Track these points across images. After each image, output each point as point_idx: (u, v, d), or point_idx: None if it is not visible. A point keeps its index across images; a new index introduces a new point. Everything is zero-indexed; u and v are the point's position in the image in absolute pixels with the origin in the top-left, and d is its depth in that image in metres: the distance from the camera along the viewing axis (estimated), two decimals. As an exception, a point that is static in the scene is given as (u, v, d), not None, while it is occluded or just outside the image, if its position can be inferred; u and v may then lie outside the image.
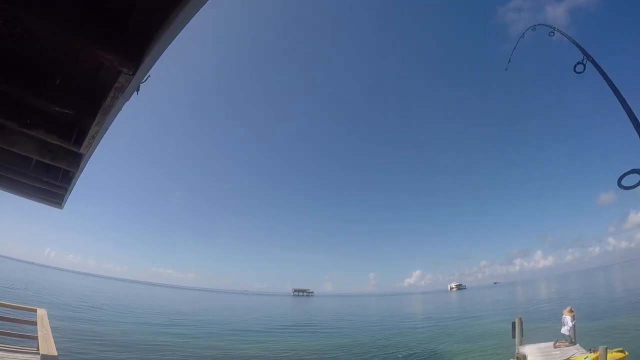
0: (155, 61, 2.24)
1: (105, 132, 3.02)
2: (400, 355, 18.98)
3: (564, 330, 14.21)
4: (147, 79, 2.45)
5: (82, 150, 3.35)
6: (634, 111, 2.75)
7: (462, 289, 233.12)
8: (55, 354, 5.73)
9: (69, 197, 6.56)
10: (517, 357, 14.58)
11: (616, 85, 3.03)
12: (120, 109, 2.72)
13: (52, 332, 7.12)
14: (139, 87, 2.51)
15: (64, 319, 22.45)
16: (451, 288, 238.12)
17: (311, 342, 23.52)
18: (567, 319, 14.06)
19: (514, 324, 16.37)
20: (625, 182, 2.48)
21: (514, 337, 16.11)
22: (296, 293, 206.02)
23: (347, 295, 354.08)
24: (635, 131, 2.75)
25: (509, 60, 5.41)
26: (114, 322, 26.26)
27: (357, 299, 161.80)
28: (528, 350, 14.35)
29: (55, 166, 4.52)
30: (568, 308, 14.60)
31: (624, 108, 2.94)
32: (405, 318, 44.68)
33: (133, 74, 2.17)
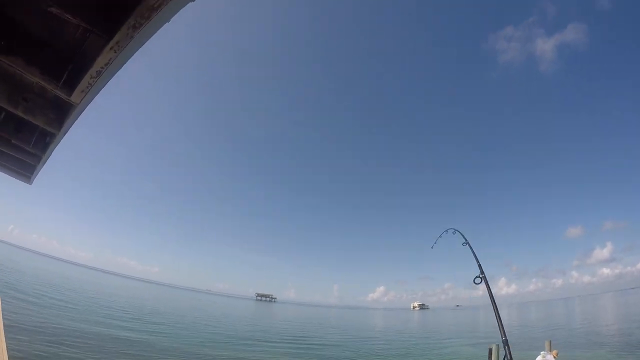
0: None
1: (117, 71, 2.04)
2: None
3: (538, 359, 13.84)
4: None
5: (73, 99, 2.31)
6: None
7: (424, 308, 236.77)
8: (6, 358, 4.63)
9: (42, 169, 5.35)
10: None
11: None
12: (167, 22, 1.74)
13: (5, 328, 5.90)
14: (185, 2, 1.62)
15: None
16: (414, 307, 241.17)
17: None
18: (550, 359, 13.65)
19: (490, 349, 15.94)
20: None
21: (490, 363, 15.67)
22: (259, 297, 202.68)
23: (310, 305, 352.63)
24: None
25: (435, 243, 6.31)
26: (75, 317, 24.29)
27: (321, 310, 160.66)
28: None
29: (29, 123, 3.38)
30: (555, 351, 14.23)
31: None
32: (372, 335, 44.16)
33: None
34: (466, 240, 5.12)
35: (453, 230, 5.63)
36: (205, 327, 32.34)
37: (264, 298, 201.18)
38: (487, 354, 15.96)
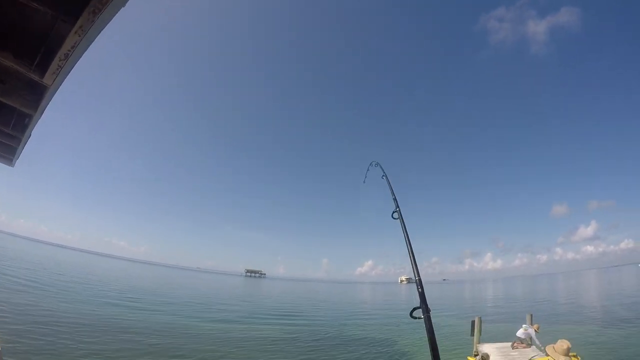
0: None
1: (84, 52, 2.26)
2: (352, 348, 18.98)
3: (520, 333, 14.58)
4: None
5: (45, 80, 2.53)
6: None
7: (412, 282, 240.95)
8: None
9: (23, 151, 5.49)
10: (476, 354, 14.81)
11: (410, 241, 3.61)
12: (122, 6, 1.98)
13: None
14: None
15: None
16: (401, 281, 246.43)
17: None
18: (532, 332, 14.33)
19: (473, 322, 16.67)
20: (415, 313, 3.02)
21: (472, 335, 16.40)
22: (248, 274, 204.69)
23: (299, 280, 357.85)
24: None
25: (365, 178, 6.33)
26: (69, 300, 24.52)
27: (309, 285, 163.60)
28: (487, 349, 14.63)
29: (6, 105, 3.42)
30: (536, 325, 14.89)
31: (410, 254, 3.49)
32: (359, 308, 45.44)
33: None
34: (385, 173, 5.16)
35: (375, 163, 5.70)
36: (196, 305, 33.08)
37: (253, 274, 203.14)
38: (470, 326, 16.85)
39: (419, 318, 2.95)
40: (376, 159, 5.63)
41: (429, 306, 2.98)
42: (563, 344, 6.37)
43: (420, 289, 3.10)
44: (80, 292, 30.83)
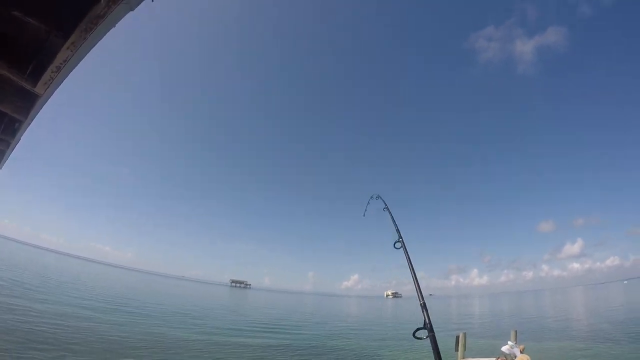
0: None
1: (77, 64, 2.37)
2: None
3: (505, 349, 14.66)
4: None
5: (37, 90, 2.63)
6: None
7: (397, 297, 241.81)
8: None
9: (11, 155, 5.52)
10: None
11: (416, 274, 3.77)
12: (112, 27, 2.10)
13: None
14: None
15: None
16: (387, 295, 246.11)
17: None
18: (517, 351, 14.36)
19: (457, 337, 16.76)
20: (418, 334, 3.06)
21: (457, 350, 16.47)
22: (233, 284, 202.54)
23: (284, 292, 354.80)
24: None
25: (365, 210, 6.32)
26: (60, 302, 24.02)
27: (297, 297, 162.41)
28: (471, 364, 14.69)
29: None
30: (522, 346, 14.88)
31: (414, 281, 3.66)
32: (345, 320, 45.23)
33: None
34: (386, 205, 5.24)
35: (377, 195, 5.79)
36: (182, 314, 32.52)
37: (238, 284, 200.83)
38: (457, 341, 16.90)
39: (422, 339, 2.98)
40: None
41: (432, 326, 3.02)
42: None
43: (425, 311, 3.14)
44: (67, 295, 30.29)
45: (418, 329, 3.04)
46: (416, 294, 3.53)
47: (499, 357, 14.76)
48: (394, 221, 4.78)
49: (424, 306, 3.24)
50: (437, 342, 2.88)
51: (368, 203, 6.16)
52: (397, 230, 4.47)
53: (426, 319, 3.07)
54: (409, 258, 3.98)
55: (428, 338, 2.96)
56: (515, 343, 15.35)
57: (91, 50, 2.30)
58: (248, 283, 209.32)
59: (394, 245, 4.18)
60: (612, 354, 20.32)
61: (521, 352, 14.30)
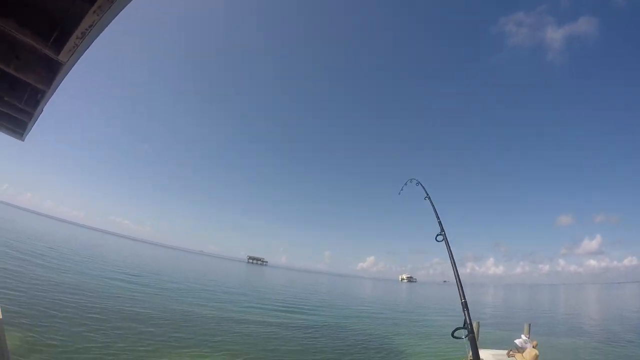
0: None
1: (101, 31, 2.25)
2: (351, 346, 18.96)
3: (518, 341, 14.46)
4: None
5: (61, 57, 2.52)
6: None
7: (412, 281, 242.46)
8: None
9: (34, 126, 5.53)
10: (471, 360, 14.73)
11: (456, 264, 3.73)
12: (130, 1, 1.95)
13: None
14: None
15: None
16: (402, 279, 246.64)
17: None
18: (529, 346, 14.12)
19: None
20: (457, 334, 2.98)
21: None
22: (250, 261, 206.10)
23: (300, 270, 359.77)
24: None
25: (401, 189, 6.22)
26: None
27: (313, 276, 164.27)
28: (484, 355, 14.57)
29: (20, 80, 3.46)
30: (535, 342, 14.65)
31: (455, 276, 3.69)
32: (360, 304, 45.59)
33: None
34: (427, 194, 5.00)
35: (417, 181, 5.54)
36: (201, 290, 33.40)
37: (255, 261, 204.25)
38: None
39: (461, 338, 2.93)
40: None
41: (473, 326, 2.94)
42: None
43: (465, 311, 3.06)
44: (88, 267, 31.44)
45: (457, 329, 2.98)
46: (458, 291, 3.45)
47: (510, 350, 14.61)
48: (436, 212, 4.54)
49: (465, 305, 3.17)
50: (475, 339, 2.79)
51: (405, 184, 6.05)
52: (440, 223, 4.24)
53: (467, 318, 2.96)
54: (452, 254, 3.79)
55: (467, 339, 2.88)
56: (529, 337, 15.12)
57: (116, 17, 2.17)
58: (265, 260, 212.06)
59: (436, 238, 4.00)
60: (621, 355, 19.91)
61: (534, 347, 14.10)
